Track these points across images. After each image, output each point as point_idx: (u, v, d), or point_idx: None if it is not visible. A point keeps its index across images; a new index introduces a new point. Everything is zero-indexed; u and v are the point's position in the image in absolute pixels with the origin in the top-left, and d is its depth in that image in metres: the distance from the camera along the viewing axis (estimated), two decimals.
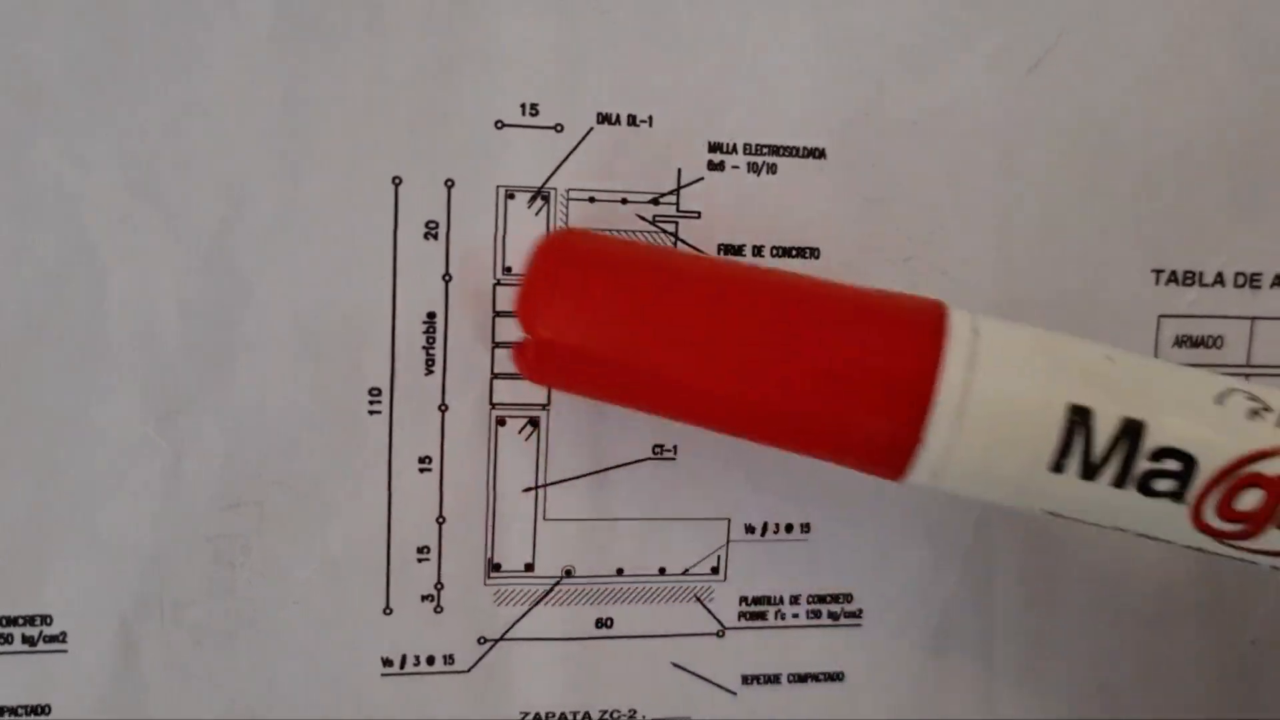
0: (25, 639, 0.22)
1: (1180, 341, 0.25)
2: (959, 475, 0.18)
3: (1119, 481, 0.18)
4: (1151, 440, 0.18)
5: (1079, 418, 0.18)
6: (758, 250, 0.24)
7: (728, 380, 0.19)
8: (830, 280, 0.20)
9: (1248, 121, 0.25)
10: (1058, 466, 0.18)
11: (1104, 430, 0.18)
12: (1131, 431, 0.18)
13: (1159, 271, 0.25)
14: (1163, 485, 0.18)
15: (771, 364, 0.19)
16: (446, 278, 0.23)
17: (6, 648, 0.22)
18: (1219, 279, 0.25)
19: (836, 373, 0.19)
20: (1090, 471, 0.18)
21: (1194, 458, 0.18)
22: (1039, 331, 0.19)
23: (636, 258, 0.21)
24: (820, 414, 0.19)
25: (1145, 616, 0.26)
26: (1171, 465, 0.18)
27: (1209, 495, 0.18)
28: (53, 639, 0.22)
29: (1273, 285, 0.25)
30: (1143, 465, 0.18)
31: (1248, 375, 0.26)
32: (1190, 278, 0.25)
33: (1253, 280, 0.25)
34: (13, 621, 0.22)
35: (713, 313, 0.20)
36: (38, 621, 0.22)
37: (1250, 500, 0.18)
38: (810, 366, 0.19)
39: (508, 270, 0.23)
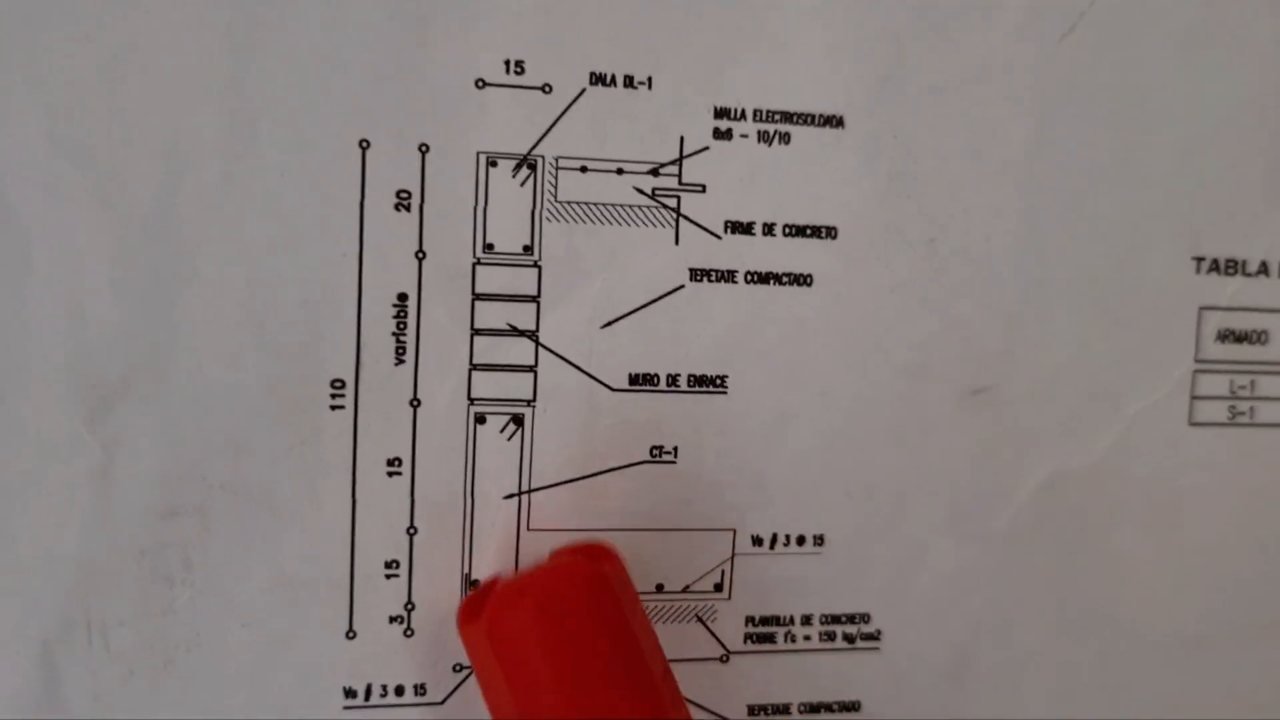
0: None
1: (1224, 336, 0.23)
2: None
3: None
4: None
5: None
6: (769, 228, 0.21)
7: None
8: None
9: None
10: None
11: None
12: None
13: (1199, 259, 0.23)
14: None
15: None
16: (420, 255, 0.20)
17: None
18: (1263, 268, 0.23)
19: None
20: None
21: None
22: None
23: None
24: None
25: (1180, 649, 0.23)
26: None
27: None
28: None
29: None
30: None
31: None
32: (1233, 266, 0.23)
33: None
34: None
35: None
36: None
37: None
38: None
39: (489, 247, 0.20)
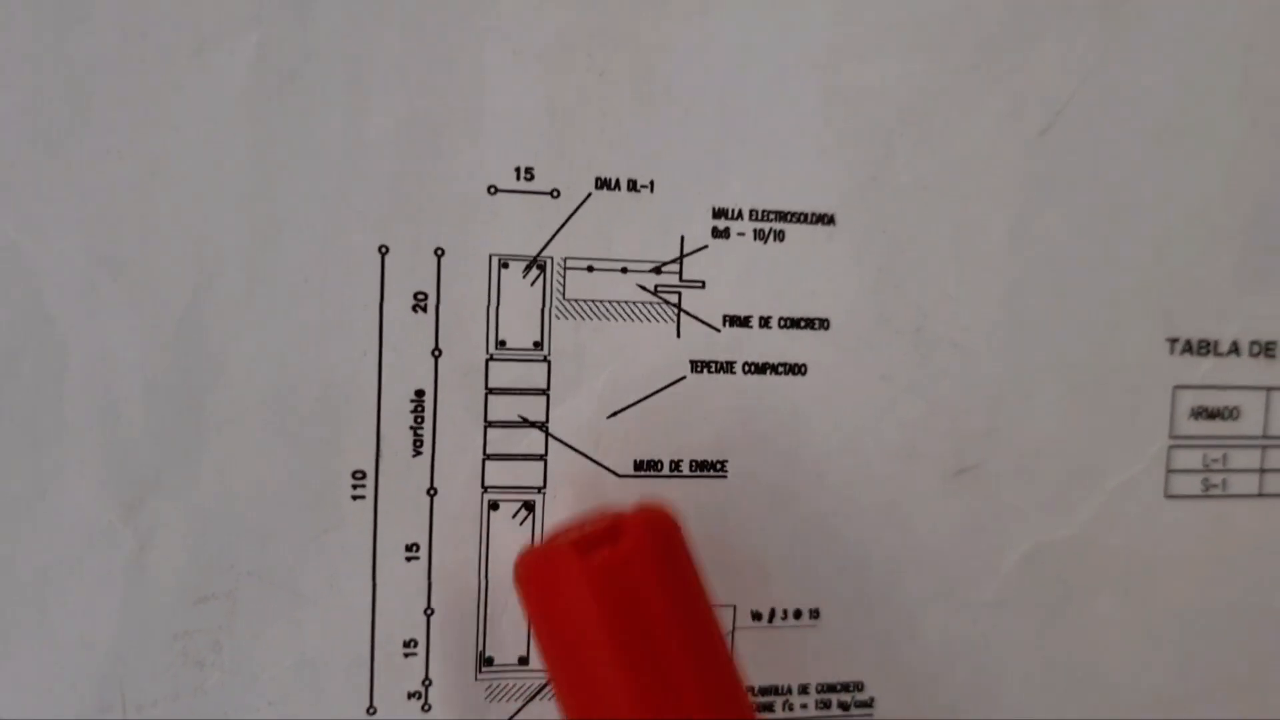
0: None
1: (1197, 413, 0.24)
2: None
3: None
4: None
5: None
6: (764, 321, 0.21)
7: None
8: None
9: (1259, 184, 0.23)
10: None
11: None
12: None
13: (1174, 340, 0.23)
14: None
15: None
16: (436, 353, 0.20)
17: None
18: (1234, 348, 0.24)
19: None
20: None
21: None
22: None
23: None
24: None
25: (1157, 708, 0.24)
26: None
27: None
28: None
29: None
30: None
31: (1264, 447, 0.24)
32: (1205, 347, 0.23)
33: (1268, 349, 0.24)
34: None
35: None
36: None
37: None
38: None
39: (501, 344, 0.21)
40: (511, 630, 0.21)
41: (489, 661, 0.21)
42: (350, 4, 0.20)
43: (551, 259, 0.21)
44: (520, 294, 0.21)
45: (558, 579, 0.18)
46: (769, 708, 0.22)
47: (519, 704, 0.21)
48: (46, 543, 0.20)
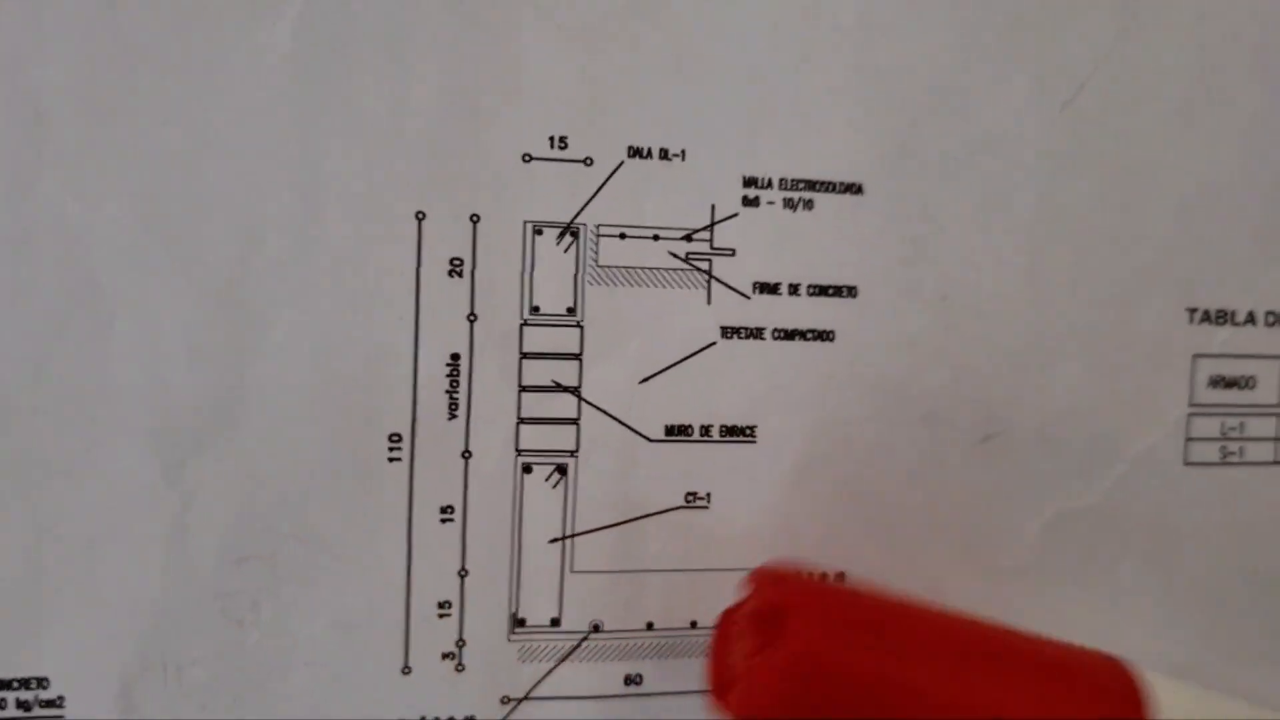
0: (20, 704, 0.20)
1: (1215, 382, 0.24)
2: None
3: None
4: None
5: None
6: (794, 289, 0.22)
7: None
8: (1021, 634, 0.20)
9: (1276, 157, 0.24)
10: None
11: None
12: None
13: (1193, 310, 0.24)
14: None
15: None
16: (471, 317, 0.21)
17: None
18: (1250, 318, 0.24)
19: None
20: None
21: None
22: None
23: (864, 607, 0.20)
24: None
25: (1185, 667, 0.24)
26: None
27: None
28: (49, 703, 0.20)
29: None
30: None
31: (1279, 416, 0.24)
32: (1223, 316, 0.24)
33: None
34: (6, 685, 0.20)
35: (946, 680, 0.18)
36: (33, 685, 0.20)
37: None
38: None
39: (535, 310, 0.21)
40: (544, 591, 0.22)
41: (521, 622, 0.22)
42: None
43: (584, 226, 0.21)
44: (554, 260, 0.21)
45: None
46: None
47: (550, 664, 0.22)
48: (92, 505, 0.20)
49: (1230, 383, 0.24)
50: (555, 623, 0.22)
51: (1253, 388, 0.24)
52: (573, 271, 0.21)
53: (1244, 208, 0.24)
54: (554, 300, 0.21)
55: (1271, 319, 0.24)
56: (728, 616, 0.20)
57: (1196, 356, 0.24)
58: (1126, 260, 0.23)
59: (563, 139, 0.21)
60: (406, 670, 0.21)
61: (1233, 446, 0.24)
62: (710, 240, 0.22)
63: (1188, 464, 0.24)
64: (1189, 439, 0.24)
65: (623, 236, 0.21)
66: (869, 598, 0.20)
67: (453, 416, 0.21)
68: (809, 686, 0.18)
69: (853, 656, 0.18)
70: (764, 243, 0.22)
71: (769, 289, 0.22)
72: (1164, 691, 0.19)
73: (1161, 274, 0.23)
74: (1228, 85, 0.23)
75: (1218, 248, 0.24)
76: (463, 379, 0.21)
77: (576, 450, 0.22)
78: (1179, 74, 0.23)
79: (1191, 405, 0.24)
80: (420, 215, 0.21)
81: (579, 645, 0.22)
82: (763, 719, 0.18)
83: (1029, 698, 0.18)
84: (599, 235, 0.21)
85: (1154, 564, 0.24)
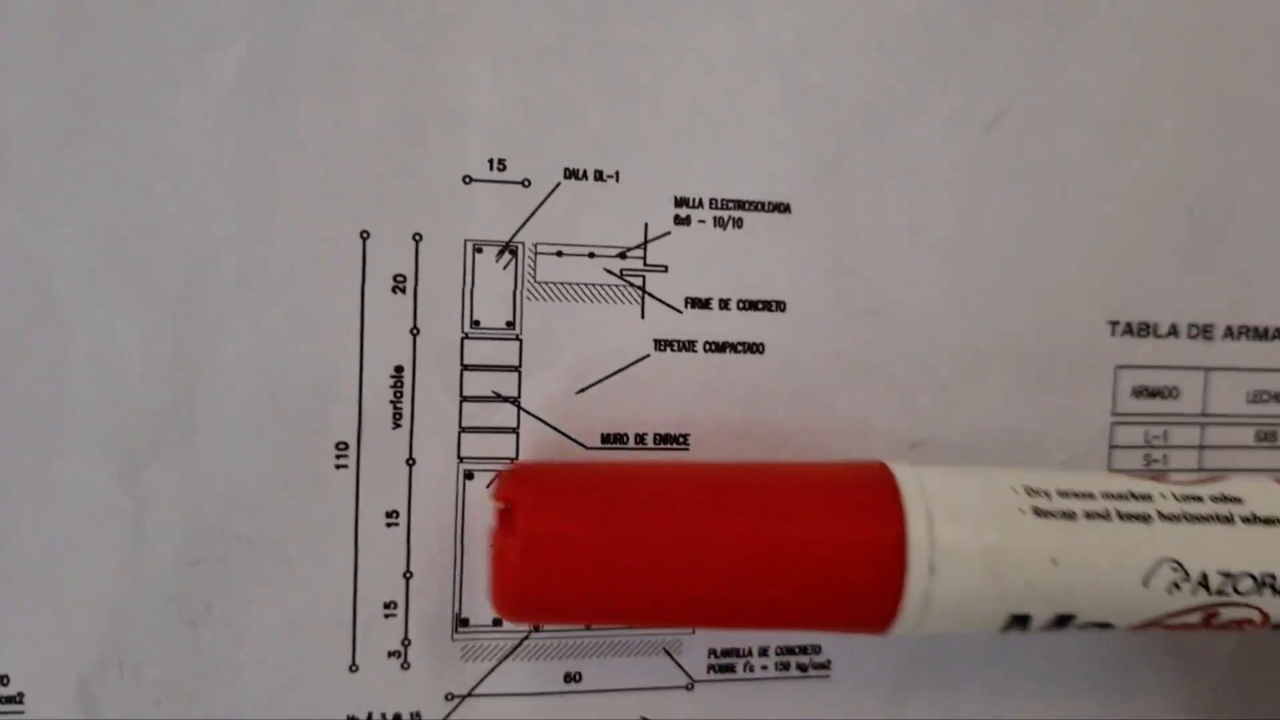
0: None
1: (1138, 392, 0.25)
2: (927, 632, 0.20)
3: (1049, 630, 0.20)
4: (1078, 621, 0.20)
5: (1019, 621, 0.20)
6: (724, 304, 0.23)
7: (713, 581, 0.19)
8: (771, 463, 0.21)
9: (1198, 177, 0.24)
10: (1004, 630, 0.20)
11: (1040, 621, 0.20)
12: (1062, 619, 0.20)
13: (1115, 323, 0.24)
14: (1085, 632, 0.20)
15: (756, 561, 0.19)
16: (414, 331, 0.22)
17: None
18: (1173, 330, 0.25)
19: (816, 560, 0.19)
20: (1026, 631, 0.20)
21: (1111, 624, 0.20)
22: (991, 533, 0.19)
23: (594, 479, 0.20)
24: (808, 599, 0.20)
25: (1109, 663, 0.25)
26: (1093, 626, 0.20)
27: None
28: (9, 699, 0.21)
29: (1224, 337, 0.25)
30: (1070, 632, 0.20)
31: (1203, 425, 0.25)
32: (1145, 329, 0.25)
33: (1205, 332, 0.25)
34: None
35: (689, 519, 0.19)
36: None
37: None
38: (791, 552, 0.19)
39: (475, 324, 0.22)
40: (486, 593, 0.22)
41: (464, 622, 0.22)
42: (337, 10, 0.21)
43: (523, 244, 0.22)
44: (493, 277, 0.22)
45: None
46: (730, 669, 0.24)
47: (493, 663, 0.23)
48: (51, 511, 0.21)
49: (1154, 393, 0.25)
50: (497, 623, 0.23)
51: (1176, 397, 0.25)
52: (512, 287, 0.22)
53: (1166, 224, 0.24)
54: (494, 315, 0.22)
55: (1194, 331, 0.25)
56: (491, 530, 0.20)
57: (1119, 367, 0.25)
58: (1050, 275, 0.24)
59: (501, 161, 0.22)
60: (354, 668, 0.22)
61: (1156, 454, 0.25)
62: (644, 257, 0.22)
63: (1112, 471, 0.25)
64: (1113, 446, 0.25)
65: (560, 254, 0.22)
66: (604, 469, 0.21)
67: (397, 425, 0.22)
68: (546, 564, 0.19)
69: (584, 526, 0.19)
70: (695, 259, 0.23)
71: (700, 304, 0.23)
72: (924, 477, 0.20)
73: (1085, 288, 0.24)
74: (1150, 105, 0.24)
75: (1140, 262, 0.24)
76: (406, 390, 0.22)
77: (516, 458, 0.22)
78: (1102, 95, 0.24)
79: (1115, 415, 0.25)
80: (365, 234, 0.21)
81: (520, 644, 0.23)
82: (520, 609, 0.20)
83: (780, 514, 0.19)
84: (537, 253, 0.22)
85: None
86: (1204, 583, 0.19)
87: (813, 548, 0.19)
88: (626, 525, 0.19)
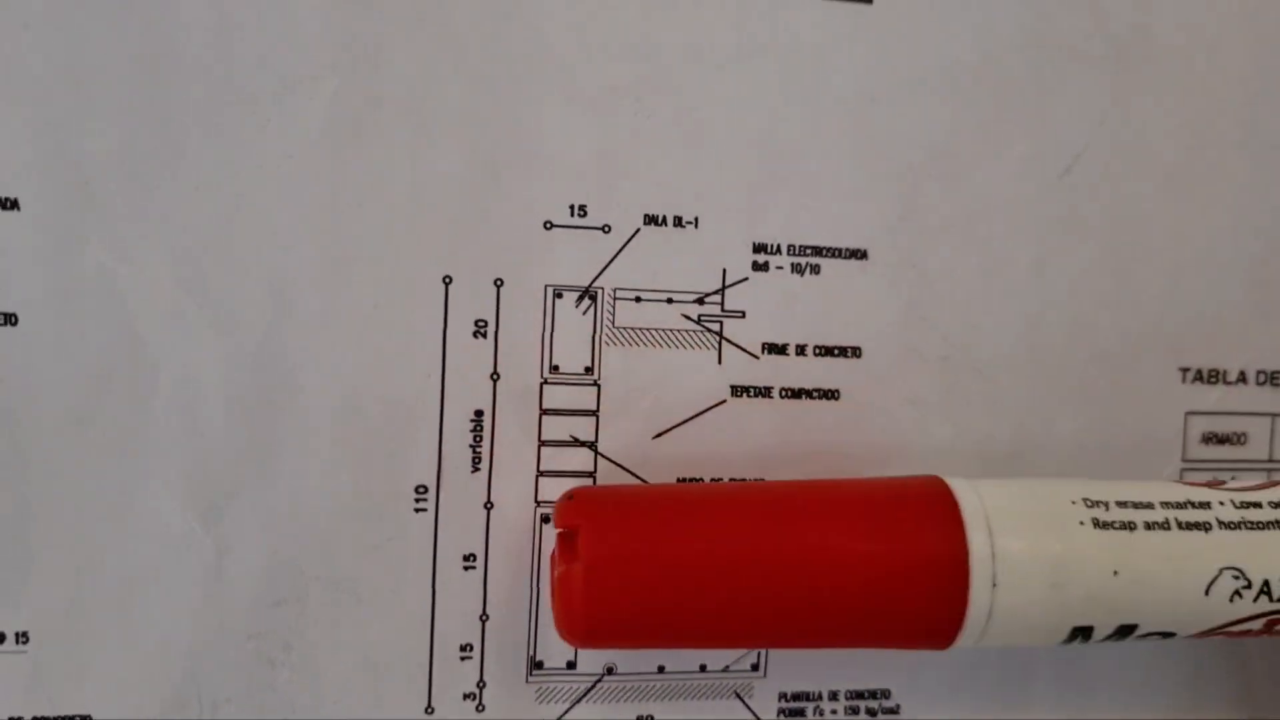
0: None
1: (1207, 439, 0.24)
2: (986, 645, 0.20)
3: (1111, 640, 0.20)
4: (1140, 631, 0.20)
5: (1081, 633, 0.20)
6: (800, 349, 0.23)
7: (776, 599, 0.19)
8: (828, 480, 0.21)
9: (1265, 224, 0.24)
10: (1066, 642, 0.20)
11: (1101, 632, 0.20)
12: (1124, 630, 0.20)
13: (1185, 369, 0.24)
14: (1148, 641, 0.20)
15: (818, 578, 0.19)
16: (495, 376, 0.22)
17: None
18: (1242, 377, 0.24)
19: (879, 575, 0.19)
20: (1088, 642, 0.20)
21: (1174, 632, 0.20)
22: (1053, 546, 0.19)
23: (654, 502, 0.20)
24: (872, 615, 0.19)
25: (1178, 705, 0.25)
26: (1154, 635, 0.20)
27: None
28: None
29: None
30: (1131, 641, 0.20)
31: (1270, 471, 0.25)
32: (1215, 376, 0.24)
33: (1274, 378, 0.25)
34: None
35: (749, 537, 0.19)
36: None
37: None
38: (853, 568, 0.19)
39: (555, 369, 0.22)
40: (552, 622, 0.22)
41: (539, 665, 0.22)
42: (418, 55, 0.21)
43: (602, 289, 0.22)
44: (573, 322, 0.22)
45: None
46: (800, 713, 0.23)
47: (567, 705, 0.22)
48: (132, 549, 0.21)
49: (1222, 439, 0.25)
50: (571, 665, 0.22)
51: (1244, 443, 0.25)
52: (590, 332, 0.22)
53: (1234, 271, 0.24)
54: (573, 360, 0.22)
55: (1263, 378, 0.25)
56: (552, 556, 0.20)
57: (1189, 414, 0.24)
58: (1121, 322, 0.24)
59: (582, 207, 0.22)
60: (430, 710, 0.22)
61: None
62: (721, 303, 0.22)
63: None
64: None
65: (638, 299, 0.22)
66: (662, 491, 0.21)
67: (476, 469, 0.22)
68: (610, 586, 0.19)
69: (646, 547, 0.19)
70: (772, 305, 0.22)
71: (777, 349, 0.23)
72: (982, 492, 0.20)
73: (1155, 335, 0.24)
74: (1217, 153, 0.24)
75: (1209, 310, 0.24)
76: (485, 434, 0.22)
77: None
78: (1170, 143, 0.24)
79: (1184, 460, 0.24)
80: (447, 279, 0.21)
81: (593, 687, 0.23)
82: (586, 634, 0.19)
83: (841, 530, 0.19)
84: (616, 298, 0.22)
85: None
86: (1266, 590, 0.19)
87: (875, 563, 0.19)
88: (688, 545, 0.19)
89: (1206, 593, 0.19)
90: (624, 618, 0.19)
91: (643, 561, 0.19)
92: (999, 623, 0.19)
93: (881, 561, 0.19)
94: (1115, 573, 0.19)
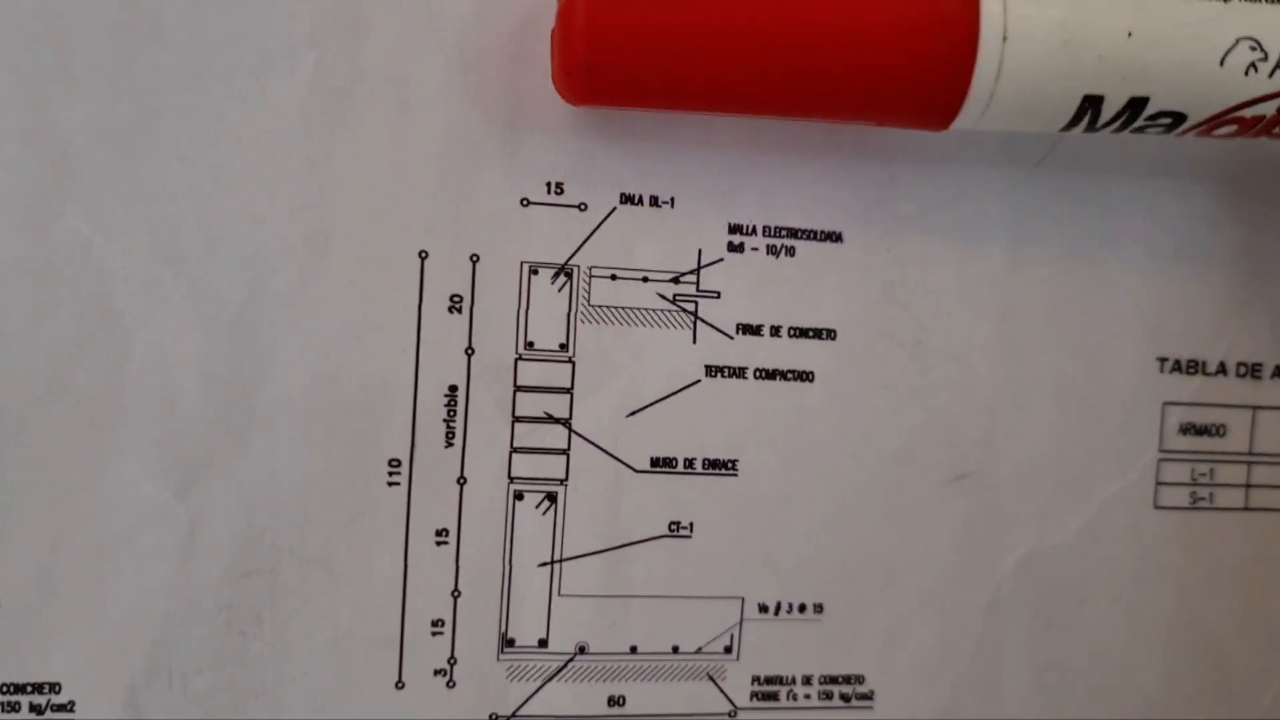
0: (33, 707, 0.21)
1: (1185, 429, 0.24)
2: (987, 125, 0.19)
3: (1118, 130, 0.19)
4: (1151, 108, 0.19)
5: (1091, 103, 0.19)
6: (775, 330, 0.22)
7: (775, 57, 0.18)
8: None
9: (1246, 213, 0.24)
10: (1069, 127, 0.19)
11: (1112, 106, 0.19)
12: (1136, 104, 0.19)
13: (1163, 359, 0.24)
14: (1154, 130, 0.20)
15: (818, 28, 0.18)
16: (469, 351, 0.21)
17: (13, 716, 0.20)
18: (1221, 368, 0.24)
19: (883, 26, 0.18)
20: (1095, 127, 0.19)
21: (1185, 114, 0.19)
22: (1064, 2, 0.18)
23: None
24: (874, 73, 0.19)
25: (1152, 702, 0.24)
26: (1165, 120, 0.19)
27: (1190, 132, 0.20)
28: (60, 707, 0.21)
29: (1273, 375, 0.24)
30: (1140, 123, 0.19)
31: (1250, 464, 0.24)
32: (1193, 367, 0.24)
33: (1254, 370, 0.24)
34: (20, 689, 0.21)
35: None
36: (46, 689, 0.21)
37: (1223, 131, 0.20)
38: (855, 16, 0.18)
39: (529, 345, 0.22)
40: (532, 613, 0.22)
41: (510, 643, 0.22)
42: (399, 31, 0.21)
43: (578, 267, 0.22)
44: (548, 299, 0.22)
45: None
46: (773, 696, 0.23)
47: (538, 684, 0.22)
48: (104, 519, 0.21)
49: (1201, 430, 0.24)
50: (543, 644, 0.22)
51: (1223, 435, 0.24)
52: (566, 310, 0.22)
53: (1214, 262, 0.24)
54: (548, 336, 0.22)
55: (1243, 369, 0.24)
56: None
57: (1167, 404, 0.24)
58: (1098, 310, 0.24)
59: (559, 185, 0.21)
60: (400, 685, 0.22)
61: (1202, 492, 0.24)
62: (697, 283, 0.22)
63: (1157, 508, 0.24)
64: (1159, 483, 0.24)
65: (614, 278, 0.22)
66: None
67: (449, 444, 0.21)
68: (613, 24, 0.19)
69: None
70: (747, 286, 0.22)
71: (752, 330, 0.22)
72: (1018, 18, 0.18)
73: (1133, 325, 0.24)
74: (1194, 146, 0.24)
75: (1188, 300, 0.24)
76: (459, 409, 0.21)
77: (566, 479, 0.22)
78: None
79: (1161, 451, 0.24)
80: (423, 254, 0.21)
81: (565, 666, 0.22)
82: (586, 73, 0.19)
83: None
84: (591, 276, 0.22)
85: (1122, 604, 0.24)
86: None
87: (884, 10, 0.18)
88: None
89: (1222, 63, 0.18)
90: (623, 63, 0.19)
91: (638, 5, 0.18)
92: (1007, 85, 0.18)
93: (890, 9, 0.18)
94: (1129, 34, 0.18)
